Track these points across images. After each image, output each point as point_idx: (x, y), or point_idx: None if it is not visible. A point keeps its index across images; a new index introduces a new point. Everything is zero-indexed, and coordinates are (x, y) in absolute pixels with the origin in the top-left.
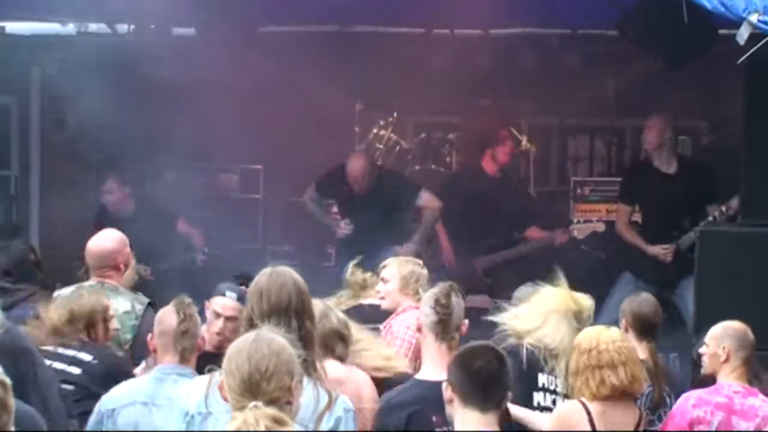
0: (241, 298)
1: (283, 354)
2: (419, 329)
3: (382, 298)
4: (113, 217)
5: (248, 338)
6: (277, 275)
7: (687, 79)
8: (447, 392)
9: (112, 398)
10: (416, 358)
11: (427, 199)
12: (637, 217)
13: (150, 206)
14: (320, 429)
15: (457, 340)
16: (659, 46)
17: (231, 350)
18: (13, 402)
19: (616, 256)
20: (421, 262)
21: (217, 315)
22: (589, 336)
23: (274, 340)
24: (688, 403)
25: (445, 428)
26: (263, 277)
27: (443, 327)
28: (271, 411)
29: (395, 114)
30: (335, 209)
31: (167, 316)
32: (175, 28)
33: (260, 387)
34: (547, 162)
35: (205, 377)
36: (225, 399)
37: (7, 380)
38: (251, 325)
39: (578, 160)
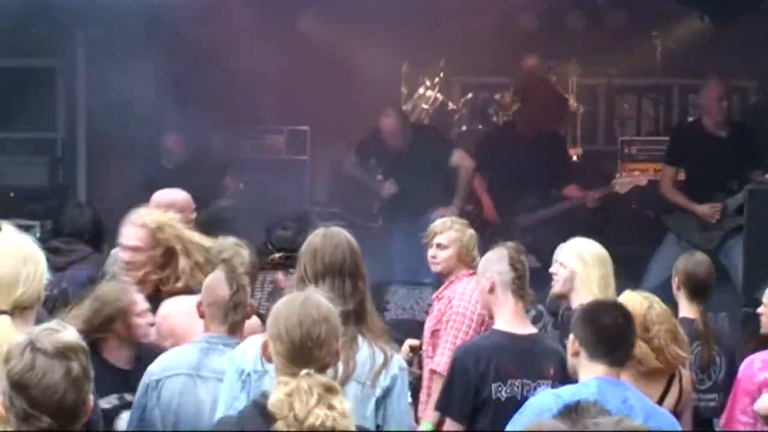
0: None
1: (331, 318)
2: (491, 290)
3: (435, 263)
4: (166, 170)
5: (296, 301)
6: (332, 235)
7: (735, 37)
8: (574, 346)
9: (157, 368)
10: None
11: (459, 158)
12: (681, 176)
13: (201, 158)
14: (377, 386)
15: (531, 297)
16: (707, 4)
17: (277, 313)
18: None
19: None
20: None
21: None
22: (639, 311)
23: (321, 303)
24: (754, 367)
25: (521, 379)
26: (317, 237)
27: (520, 283)
28: (324, 379)
29: (441, 74)
30: (380, 177)
31: (218, 286)
32: None
33: (312, 354)
34: (595, 122)
35: (259, 336)
36: (268, 359)
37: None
38: (304, 284)
39: (625, 119)
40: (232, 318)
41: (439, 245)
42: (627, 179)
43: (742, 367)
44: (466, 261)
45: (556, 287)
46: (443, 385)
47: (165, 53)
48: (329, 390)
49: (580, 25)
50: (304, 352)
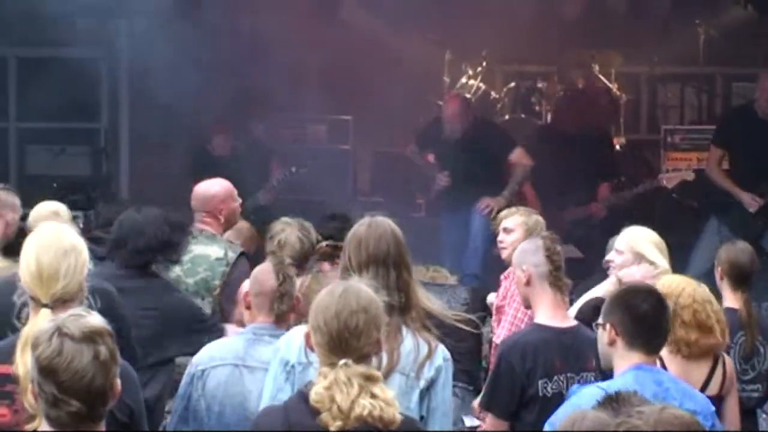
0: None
1: (371, 308)
2: (528, 282)
3: (503, 248)
4: (213, 159)
5: (335, 292)
6: (376, 225)
7: None
8: (610, 334)
9: (203, 358)
10: None
11: (519, 155)
12: (725, 165)
13: (247, 147)
14: (422, 377)
15: (569, 286)
16: None
17: (318, 304)
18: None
19: (707, 205)
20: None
21: None
22: (682, 288)
23: (361, 293)
24: None
25: (566, 374)
26: (362, 227)
27: (558, 274)
28: (362, 368)
29: (484, 63)
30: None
31: (266, 276)
32: None
33: (350, 344)
34: (638, 110)
35: (303, 327)
36: (311, 349)
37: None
38: (348, 274)
39: (669, 108)
40: (279, 308)
41: (505, 229)
42: (674, 174)
43: None
44: None
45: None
46: (488, 381)
47: (206, 44)
48: (369, 379)
49: (622, 13)
50: (342, 342)
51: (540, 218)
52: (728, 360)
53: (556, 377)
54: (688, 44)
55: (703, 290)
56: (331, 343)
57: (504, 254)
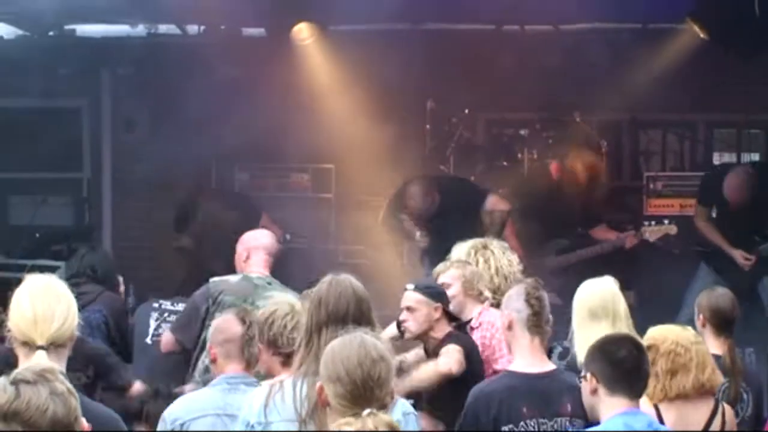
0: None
1: (387, 357)
2: (509, 327)
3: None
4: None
5: (353, 342)
6: (337, 283)
7: (759, 72)
8: (591, 383)
9: (180, 412)
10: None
11: (493, 203)
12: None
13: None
14: None
15: (548, 333)
16: (731, 38)
17: (334, 355)
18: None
19: (689, 252)
20: (473, 261)
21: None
22: (665, 337)
23: (377, 344)
24: None
25: (536, 419)
26: (323, 285)
27: (537, 320)
28: (387, 418)
29: (466, 111)
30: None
31: (230, 324)
32: (244, 29)
33: (374, 393)
34: (620, 157)
35: (264, 387)
36: (324, 403)
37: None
38: (310, 332)
39: (650, 154)
40: (248, 353)
41: (443, 284)
42: (657, 227)
43: None
44: (473, 295)
45: None
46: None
47: (189, 93)
48: (393, 429)
49: (603, 60)
50: (367, 392)
51: (475, 268)
52: (729, 411)
53: (523, 423)
54: (669, 91)
55: (689, 334)
56: (355, 392)
57: (450, 307)
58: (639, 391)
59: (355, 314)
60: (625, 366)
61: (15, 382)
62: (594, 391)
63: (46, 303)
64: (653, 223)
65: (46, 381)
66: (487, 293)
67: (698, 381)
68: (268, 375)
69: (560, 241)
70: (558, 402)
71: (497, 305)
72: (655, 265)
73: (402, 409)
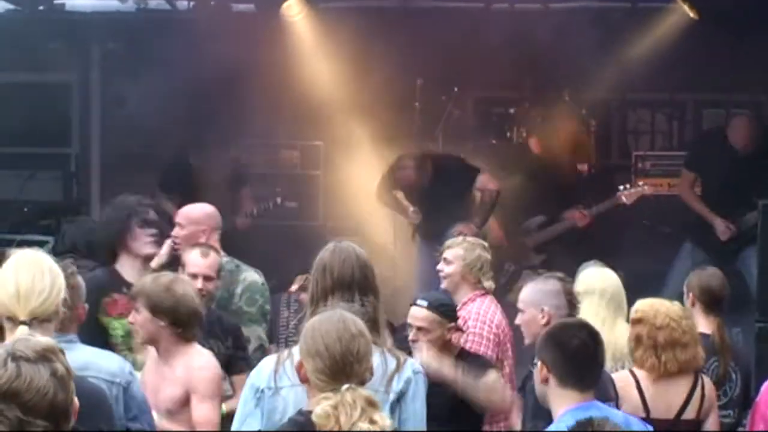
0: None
1: (366, 333)
2: (548, 324)
3: (443, 277)
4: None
5: (332, 318)
6: (340, 250)
7: (749, 51)
8: (542, 372)
9: None
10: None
11: (484, 181)
12: (697, 190)
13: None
14: (390, 391)
15: None
16: (720, 18)
17: (314, 331)
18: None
19: (679, 230)
20: (486, 245)
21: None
22: (656, 310)
23: (356, 320)
24: None
25: None
26: (326, 252)
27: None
28: (366, 393)
29: (456, 89)
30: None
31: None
32: (234, 5)
33: (353, 368)
34: (608, 136)
35: (274, 355)
36: (304, 380)
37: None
38: (316, 300)
39: (640, 134)
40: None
41: (445, 260)
42: (633, 190)
43: (761, 391)
44: (470, 281)
45: None
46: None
47: (179, 69)
48: (371, 404)
49: (592, 39)
50: (346, 367)
51: (484, 253)
52: (708, 383)
53: None
54: (659, 70)
55: (677, 308)
56: (334, 367)
57: (443, 284)
58: (590, 384)
59: (359, 280)
60: (577, 357)
61: (15, 359)
62: (545, 380)
63: (29, 278)
64: (627, 186)
65: (48, 361)
66: (487, 284)
67: (691, 355)
68: None
69: (537, 218)
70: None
71: None
72: (644, 244)
73: (412, 368)
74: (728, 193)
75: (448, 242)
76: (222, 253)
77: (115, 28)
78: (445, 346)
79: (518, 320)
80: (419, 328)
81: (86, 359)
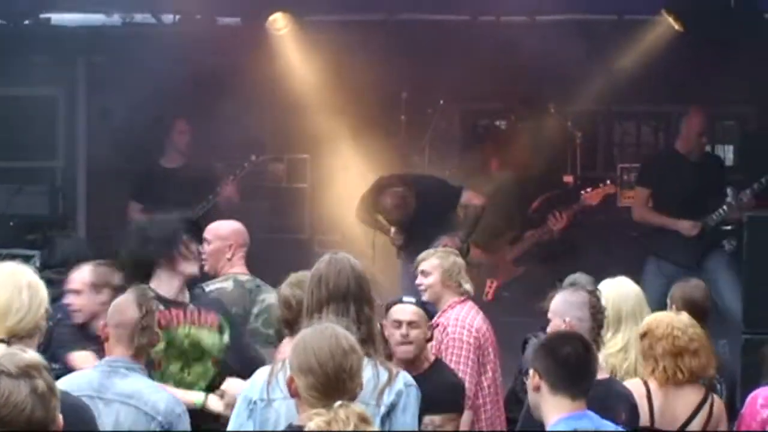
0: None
1: (358, 349)
2: None
3: (423, 290)
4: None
5: (324, 334)
6: (336, 262)
7: (734, 63)
8: (534, 379)
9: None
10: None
11: (468, 197)
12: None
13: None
14: (381, 404)
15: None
16: (706, 30)
17: (306, 346)
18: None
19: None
20: (458, 252)
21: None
22: (659, 321)
23: (347, 335)
24: (757, 404)
25: None
26: (322, 263)
27: (598, 333)
28: (359, 410)
29: (442, 101)
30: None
31: (128, 308)
32: (219, 18)
33: (345, 385)
34: (594, 148)
35: (268, 367)
36: (294, 394)
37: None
38: (311, 311)
39: (625, 146)
40: (139, 341)
41: (423, 272)
42: (595, 191)
43: (746, 403)
44: (452, 287)
45: None
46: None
47: (165, 82)
48: (364, 421)
49: (578, 51)
50: (339, 384)
51: (458, 259)
52: (718, 402)
53: None
54: (644, 82)
55: (683, 317)
56: (327, 384)
57: (424, 296)
58: (583, 391)
59: (355, 292)
60: (568, 364)
61: None
62: (537, 388)
63: (6, 296)
64: (589, 190)
65: (29, 378)
66: (467, 286)
67: (703, 361)
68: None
69: (508, 233)
70: (614, 410)
71: None
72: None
73: (404, 380)
74: (686, 202)
75: (421, 255)
76: (246, 271)
77: (101, 41)
78: (423, 352)
79: (548, 329)
80: (410, 323)
81: (135, 389)
